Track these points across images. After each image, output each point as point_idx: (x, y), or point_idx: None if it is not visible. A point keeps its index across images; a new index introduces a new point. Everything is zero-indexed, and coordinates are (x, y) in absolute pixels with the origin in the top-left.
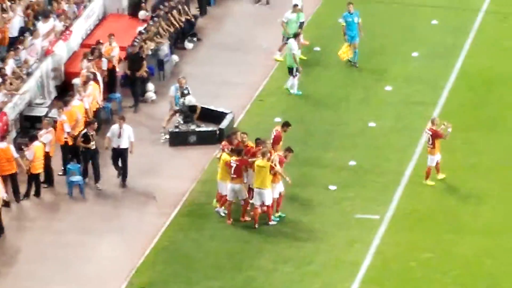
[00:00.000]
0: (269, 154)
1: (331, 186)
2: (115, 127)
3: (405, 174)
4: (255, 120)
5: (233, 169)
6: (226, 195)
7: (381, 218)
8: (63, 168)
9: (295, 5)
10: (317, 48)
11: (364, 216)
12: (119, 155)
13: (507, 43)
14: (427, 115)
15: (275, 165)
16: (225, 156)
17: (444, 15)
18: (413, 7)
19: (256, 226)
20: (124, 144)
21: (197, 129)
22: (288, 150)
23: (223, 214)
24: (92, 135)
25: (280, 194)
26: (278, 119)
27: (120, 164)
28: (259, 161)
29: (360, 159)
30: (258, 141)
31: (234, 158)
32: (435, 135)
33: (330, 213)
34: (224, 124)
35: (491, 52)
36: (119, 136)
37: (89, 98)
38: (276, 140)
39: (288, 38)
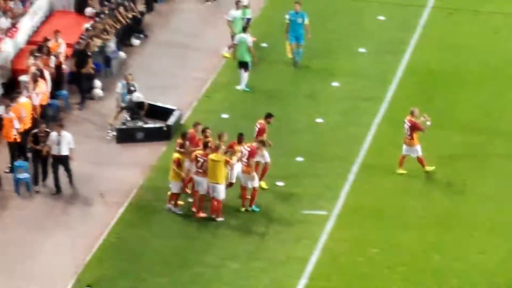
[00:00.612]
0: (223, 148)
1: (279, 182)
2: (53, 135)
3: (352, 170)
4: (202, 116)
5: (200, 163)
6: (177, 194)
7: (328, 214)
8: (10, 165)
9: (238, 2)
10: (265, 45)
11: (312, 212)
12: (60, 162)
13: (453, 39)
14: (375, 110)
15: (231, 158)
16: (175, 155)
17: (391, 11)
18: (360, 2)
19: (219, 219)
20: (64, 151)
21: (145, 126)
22: (261, 142)
23: (179, 212)
24: (41, 136)
25: (254, 188)
26: (225, 116)
27: (63, 171)
28: (212, 155)
29: (308, 155)
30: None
31: (201, 152)
32: (413, 127)
33: (277, 209)
34: (171, 120)
35: (438, 48)
36: (58, 143)
37: (38, 95)
38: (261, 132)
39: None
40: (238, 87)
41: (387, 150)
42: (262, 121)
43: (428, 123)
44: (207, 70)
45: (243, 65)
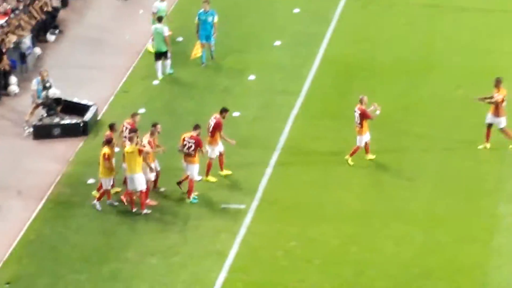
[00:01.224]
0: (137, 139)
1: (197, 176)
2: None
3: (270, 164)
4: (119, 111)
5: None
6: (107, 190)
7: (247, 207)
8: None
9: None
10: (180, 39)
11: (230, 205)
12: None
13: (367, 31)
14: (291, 104)
15: (143, 146)
16: (105, 150)
17: (305, 4)
18: None
19: (134, 210)
20: None
21: (61, 122)
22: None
23: (116, 204)
24: None
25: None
26: (142, 110)
27: None
28: (127, 148)
29: (225, 149)
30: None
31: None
32: (363, 115)
33: (196, 203)
34: (88, 116)
35: (353, 40)
36: None
37: None
38: (218, 127)
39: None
40: (159, 76)
41: (304, 143)
42: (217, 116)
43: (378, 112)
44: (124, 65)
45: (161, 55)
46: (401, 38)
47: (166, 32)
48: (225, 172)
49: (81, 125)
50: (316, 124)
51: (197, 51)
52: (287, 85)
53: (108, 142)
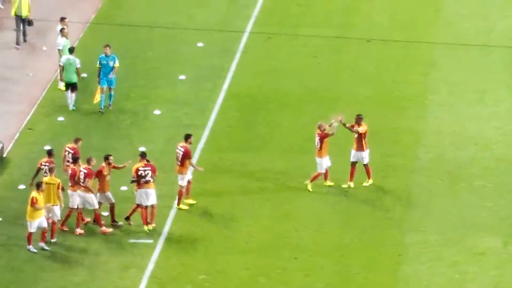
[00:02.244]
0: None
1: (104, 213)
2: None
3: (176, 197)
4: (25, 149)
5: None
6: (30, 233)
7: (154, 242)
8: None
9: (62, 29)
10: (84, 75)
11: (138, 240)
12: None
13: (272, 63)
14: (198, 137)
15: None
16: (33, 194)
17: (209, 37)
18: (177, 30)
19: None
20: None
21: None
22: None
23: (47, 248)
24: None
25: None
26: (47, 147)
27: None
28: (46, 178)
29: (130, 184)
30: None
31: (85, 166)
32: (324, 137)
33: (103, 239)
34: None
35: (258, 72)
36: None
37: None
38: (187, 155)
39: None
40: (71, 107)
41: (211, 176)
42: (183, 144)
43: (335, 124)
44: (28, 102)
45: (71, 86)
46: (306, 69)
47: (78, 63)
48: (191, 201)
49: None
50: (222, 157)
51: (97, 95)
52: (193, 118)
53: (38, 186)
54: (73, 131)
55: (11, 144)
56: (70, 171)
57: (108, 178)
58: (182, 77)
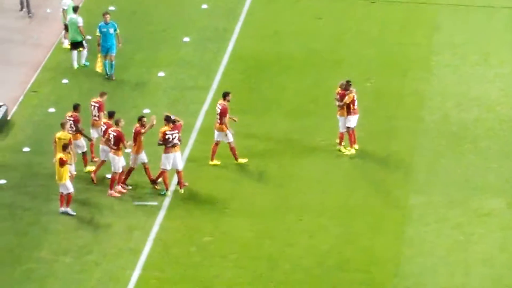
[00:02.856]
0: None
1: (108, 175)
2: None
3: (182, 159)
4: (29, 111)
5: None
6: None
7: (159, 204)
8: None
9: None
10: (89, 37)
11: (142, 203)
12: None
13: (276, 25)
14: (202, 99)
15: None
16: (59, 155)
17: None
18: None
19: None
20: None
21: None
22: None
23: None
24: None
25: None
26: (52, 110)
27: None
28: (58, 134)
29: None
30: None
31: (113, 128)
32: (342, 96)
33: (108, 201)
34: None
35: (262, 34)
36: None
37: None
38: (224, 113)
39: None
40: (75, 65)
41: None
42: (221, 101)
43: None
44: (33, 65)
45: (76, 45)
46: (310, 31)
47: (81, 22)
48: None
49: None
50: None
51: (100, 64)
52: (197, 80)
53: (65, 147)
54: (78, 94)
55: (16, 107)
56: (105, 128)
57: (142, 138)
58: (186, 39)
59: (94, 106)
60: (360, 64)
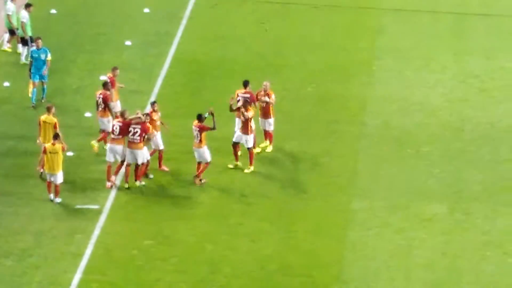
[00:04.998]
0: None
1: (48, 180)
2: None
3: (124, 163)
4: None
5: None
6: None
7: (101, 208)
8: None
9: None
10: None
11: (84, 206)
12: None
13: (219, 29)
14: (144, 103)
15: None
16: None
17: (155, 3)
18: None
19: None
20: None
21: None
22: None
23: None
24: None
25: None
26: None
27: None
28: (43, 117)
29: (78, 149)
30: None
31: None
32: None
33: (49, 205)
34: None
35: (204, 38)
36: None
37: None
38: (252, 100)
39: (11, 30)
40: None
41: None
42: (246, 90)
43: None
44: None
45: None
46: (253, 35)
47: (25, 18)
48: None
49: None
50: (168, 123)
51: (30, 89)
52: (139, 84)
53: (56, 136)
54: (19, 97)
55: None
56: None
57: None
58: (128, 42)
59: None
60: (303, 69)
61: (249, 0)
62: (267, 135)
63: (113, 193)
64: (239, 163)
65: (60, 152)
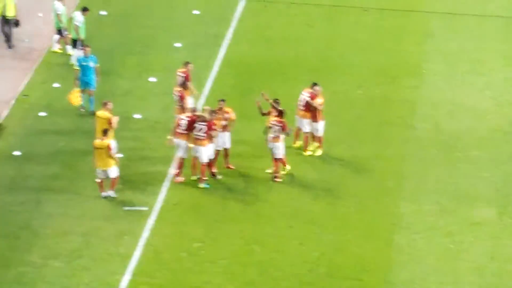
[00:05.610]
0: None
1: (98, 179)
2: None
3: (173, 165)
4: (20, 115)
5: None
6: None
7: (149, 209)
8: None
9: None
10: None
11: (133, 208)
12: None
13: (266, 31)
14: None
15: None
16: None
17: (205, 5)
18: None
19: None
20: None
21: None
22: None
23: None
24: None
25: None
26: (42, 114)
27: None
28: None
29: (127, 151)
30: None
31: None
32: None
33: (99, 206)
34: None
35: (253, 40)
36: None
37: None
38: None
39: (59, 30)
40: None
41: None
42: (310, 90)
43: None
44: (24, 69)
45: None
46: (302, 38)
47: (79, 21)
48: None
49: None
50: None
51: (76, 99)
52: None
53: (105, 132)
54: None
55: (7, 111)
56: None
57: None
58: (178, 44)
59: (181, 76)
60: (352, 72)
61: (297, 2)
62: (315, 138)
63: (162, 195)
64: (288, 167)
65: (108, 148)
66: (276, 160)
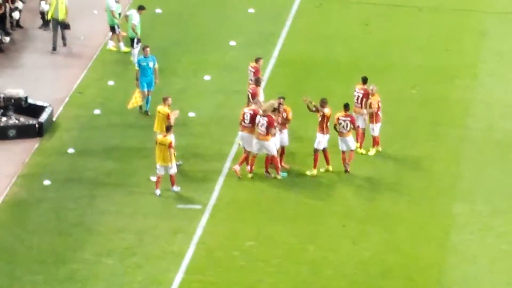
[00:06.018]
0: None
1: (153, 177)
2: None
3: (226, 163)
4: (74, 112)
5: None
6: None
7: (203, 208)
8: None
9: None
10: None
11: (186, 206)
12: None
13: (322, 29)
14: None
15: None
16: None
17: (260, 4)
18: None
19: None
20: None
21: (16, 123)
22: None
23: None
24: None
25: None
26: (97, 111)
27: None
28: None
29: (181, 149)
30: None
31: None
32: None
33: (152, 204)
34: (43, 117)
35: (309, 39)
36: None
37: None
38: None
39: (112, 27)
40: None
41: None
42: (362, 86)
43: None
44: (79, 66)
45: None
46: (357, 37)
47: (136, 20)
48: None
49: (37, 126)
50: None
51: (136, 100)
52: (243, 85)
53: (168, 128)
54: (123, 96)
55: (61, 108)
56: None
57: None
58: (232, 43)
59: (251, 71)
60: (406, 71)
61: (353, 1)
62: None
63: (215, 193)
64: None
65: (169, 145)
66: (344, 152)
